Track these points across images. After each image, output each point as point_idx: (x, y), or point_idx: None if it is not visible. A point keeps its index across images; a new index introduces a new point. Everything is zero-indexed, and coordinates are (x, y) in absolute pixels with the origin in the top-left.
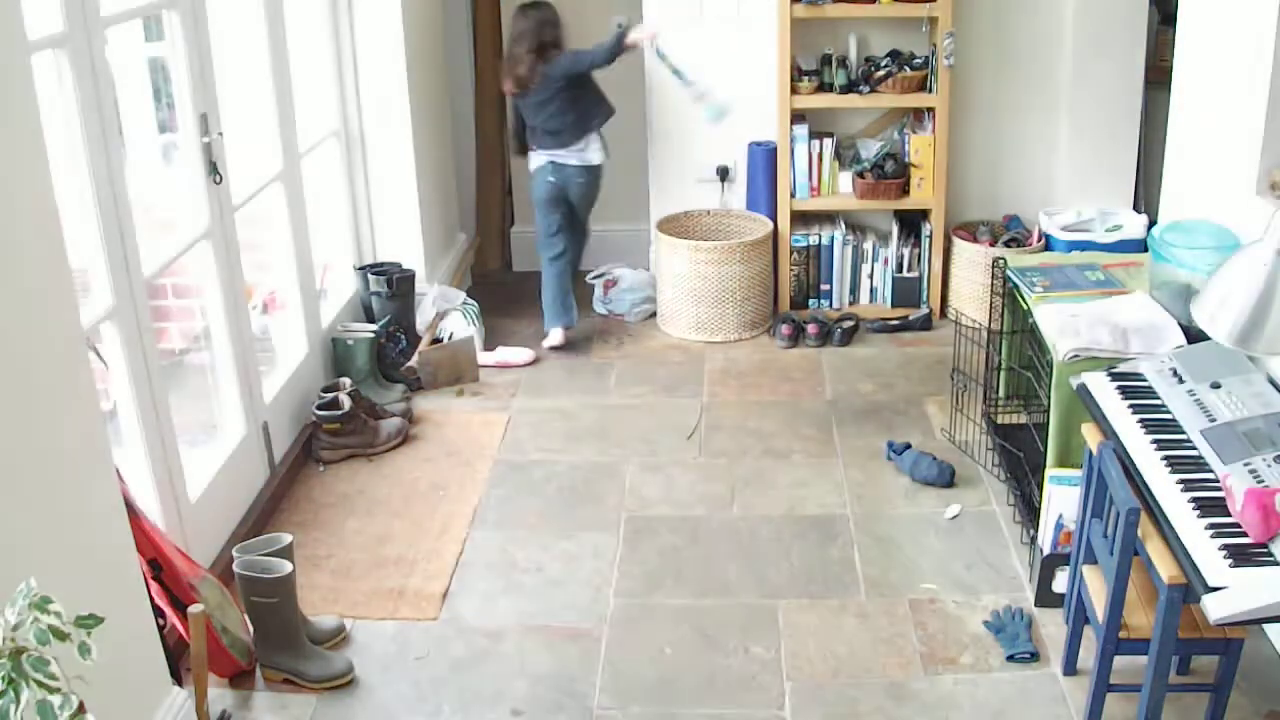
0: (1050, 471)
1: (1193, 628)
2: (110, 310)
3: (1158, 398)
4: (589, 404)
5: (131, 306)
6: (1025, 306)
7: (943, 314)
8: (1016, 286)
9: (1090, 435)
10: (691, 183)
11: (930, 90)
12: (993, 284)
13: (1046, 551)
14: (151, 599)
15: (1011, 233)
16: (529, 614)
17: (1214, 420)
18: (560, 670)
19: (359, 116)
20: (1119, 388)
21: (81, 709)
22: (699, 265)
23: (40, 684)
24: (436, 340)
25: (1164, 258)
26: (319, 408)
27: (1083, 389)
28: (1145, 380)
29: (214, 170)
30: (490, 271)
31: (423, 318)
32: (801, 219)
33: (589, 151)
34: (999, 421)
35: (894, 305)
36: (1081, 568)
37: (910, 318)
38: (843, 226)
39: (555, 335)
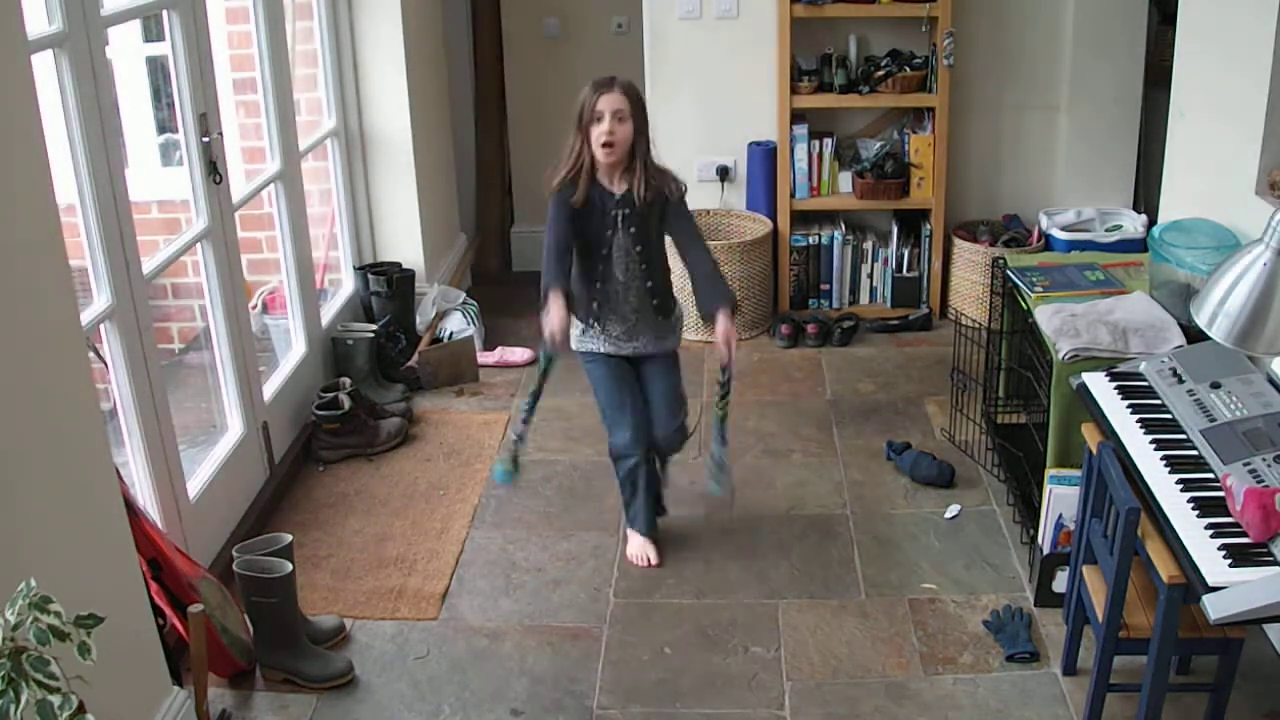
0: (1050, 471)
1: (1192, 628)
2: (110, 310)
3: (1157, 398)
4: (589, 404)
5: (131, 306)
6: (1025, 306)
7: (943, 314)
8: (1016, 286)
9: (1090, 435)
10: (691, 183)
11: (930, 90)
12: (993, 284)
13: (1046, 551)
14: (151, 599)
15: (1011, 233)
16: (529, 614)
17: (1214, 420)
18: (560, 670)
19: (359, 116)
20: (1118, 388)
21: (81, 709)
22: None
23: (40, 684)
24: (436, 340)
25: (1164, 258)
26: (319, 407)
27: (1082, 389)
28: (1145, 380)
29: (213, 170)
30: (490, 271)
31: (423, 317)
32: (801, 219)
33: None
34: (999, 421)
35: (894, 305)
36: (1081, 567)
37: (910, 318)
38: (843, 226)
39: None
